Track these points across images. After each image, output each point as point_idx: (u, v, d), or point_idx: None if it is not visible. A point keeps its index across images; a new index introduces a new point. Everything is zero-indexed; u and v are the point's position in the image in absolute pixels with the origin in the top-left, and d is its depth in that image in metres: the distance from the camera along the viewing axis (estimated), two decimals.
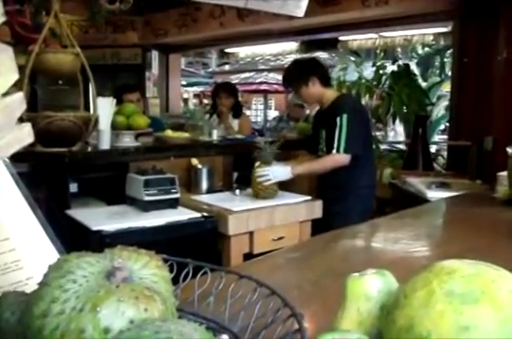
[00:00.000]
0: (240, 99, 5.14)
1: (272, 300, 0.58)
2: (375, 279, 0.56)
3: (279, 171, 2.73)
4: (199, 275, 0.69)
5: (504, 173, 1.96)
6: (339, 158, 2.80)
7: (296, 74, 3.01)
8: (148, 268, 0.52)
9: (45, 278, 0.51)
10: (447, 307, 0.44)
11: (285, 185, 2.90)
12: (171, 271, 0.59)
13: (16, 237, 0.73)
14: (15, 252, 0.72)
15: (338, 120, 2.78)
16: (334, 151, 2.77)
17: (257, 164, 2.74)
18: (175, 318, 0.51)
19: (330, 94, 3.00)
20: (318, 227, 2.71)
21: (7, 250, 0.72)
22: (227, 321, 0.61)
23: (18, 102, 0.47)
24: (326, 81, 3.01)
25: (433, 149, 5.38)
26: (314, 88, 2.95)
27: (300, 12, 3.33)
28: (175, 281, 0.63)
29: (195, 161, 3.04)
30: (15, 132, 0.46)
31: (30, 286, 0.68)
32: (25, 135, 0.48)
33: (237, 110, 4.54)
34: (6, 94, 0.46)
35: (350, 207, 2.86)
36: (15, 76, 0.46)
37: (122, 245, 0.57)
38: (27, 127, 0.48)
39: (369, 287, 0.55)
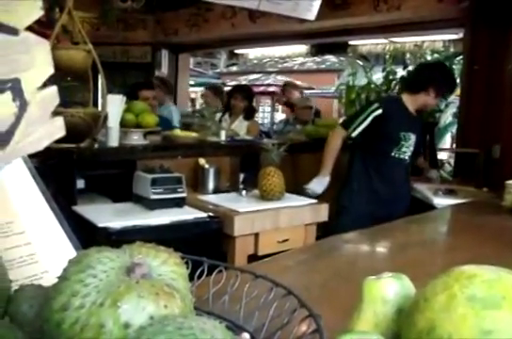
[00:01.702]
0: (254, 104, 5.20)
1: (288, 301, 0.58)
2: (392, 282, 0.56)
3: None
4: (214, 274, 0.69)
5: None
6: None
7: None
8: (167, 265, 0.53)
9: (65, 272, 0.50)
10: (469, 311, 0.44)
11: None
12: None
13: (32, 231, 0.73)
14: (30, 246, 0.72)
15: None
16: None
17: None
18: (194, 316, 0.51)
19: None
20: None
21: (22, 244, 0.72)
22: (242, 320, 0.61)
23: (52, 95, 0.47)
24: None
25: (440, 155, 5.36)
26: None
27: (312, 15, 3.33)
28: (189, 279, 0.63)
29: (202, 161, 3.05)
30: (47, 125, 0.46)
31: (45, 280, 0.68)
32: (57, 128, 0.48)
33: (249, 113, 4.58)
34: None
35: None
36: (50, 70, 0.47)
37: (128, 242, 0.57)
38: (59, 121, 0.48)
39: (386, 290, 0.55)
